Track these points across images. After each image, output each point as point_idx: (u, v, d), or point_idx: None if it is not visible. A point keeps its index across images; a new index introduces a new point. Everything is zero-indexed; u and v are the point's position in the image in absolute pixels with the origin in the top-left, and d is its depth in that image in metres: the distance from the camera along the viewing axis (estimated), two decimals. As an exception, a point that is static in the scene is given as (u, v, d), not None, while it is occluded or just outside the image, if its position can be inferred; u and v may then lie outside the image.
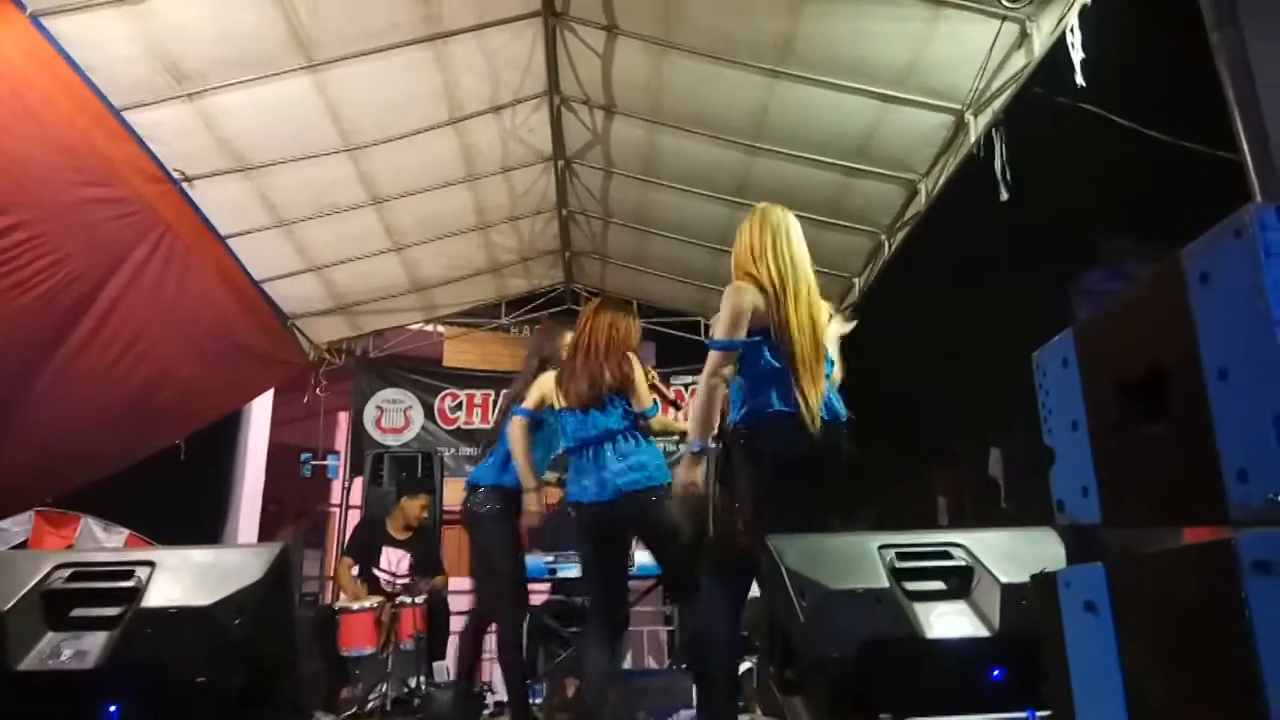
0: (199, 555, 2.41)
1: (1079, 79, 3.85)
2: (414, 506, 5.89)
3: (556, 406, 3.73)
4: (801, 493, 2.89)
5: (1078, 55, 3.84)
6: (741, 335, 2.96)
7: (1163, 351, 1.27)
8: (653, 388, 3.76)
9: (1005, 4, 3.98)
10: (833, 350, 3.14)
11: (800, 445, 2.91)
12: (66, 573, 2.35)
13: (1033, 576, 1.63)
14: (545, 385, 3.96)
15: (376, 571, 5.65)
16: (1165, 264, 1.27)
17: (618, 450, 3.51)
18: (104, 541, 7.18)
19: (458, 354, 9.98)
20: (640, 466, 3.49)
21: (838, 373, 3.19)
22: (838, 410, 3.04)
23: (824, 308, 3.09)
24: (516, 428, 3.97)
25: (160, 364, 5.64)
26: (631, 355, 3.66)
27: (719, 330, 3.01)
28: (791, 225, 3.12)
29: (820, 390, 2.95)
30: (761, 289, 3.00)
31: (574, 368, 3.67)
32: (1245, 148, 2.53)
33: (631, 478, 3.46)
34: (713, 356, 2.99)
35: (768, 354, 2.99)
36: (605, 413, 3.57)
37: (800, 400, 2.91)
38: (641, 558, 5.72)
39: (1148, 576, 1.32)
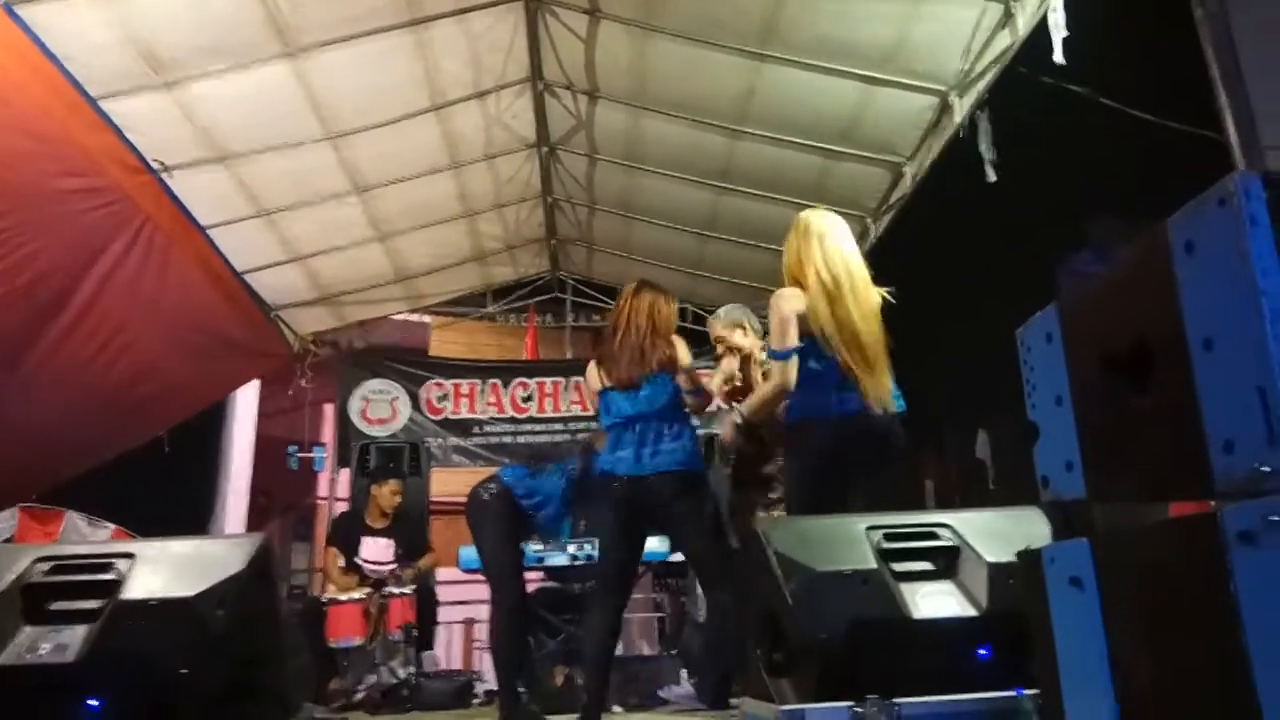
0: (179, 547, 2.39)
1: (1058, 57, 3.83)
2: (384, 493, 5.85)
3: (600, 386, 3.66)
4: (838, 491, 3.06)
5: (1060, 34, 3.82)
6: (794, 341, 3.14)
7: (1147, 323, 1.26)
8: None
9: (989, -18, 3.95)
10: None
11: (840, 443, 3.08)
12: (45, 566, 2.33)
13: (1018, 553, 1.63)
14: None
15: (359, 561, 5.63)
16: (1150, 235, 1.26)
17: (662, 430, 3.49)
18: (89, 537, 7.10)
19: (444, 344, 9.94)
20: (679, 450, 3.47)
21: None
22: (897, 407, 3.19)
23: (878, 299, 3.22)
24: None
25: (142, 356, 5.59)
26: (676, 338, 3.64)
27: (774, 340, 3.20)
28: (837, 225, 3.28)
29: (885, 379, 3.10)
30: (808, 293, 3.14)
31: (615, 348, 3.62)
32: (1229, 123, 2.52)
33: (669, 458, 3.44)
34: (777, 367, 3.19)
35: (812, 360, 3.15)
36: (652, 391, 3.53)
37: (864, 392, 3.06)
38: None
39: (1133, 550, 1.31)
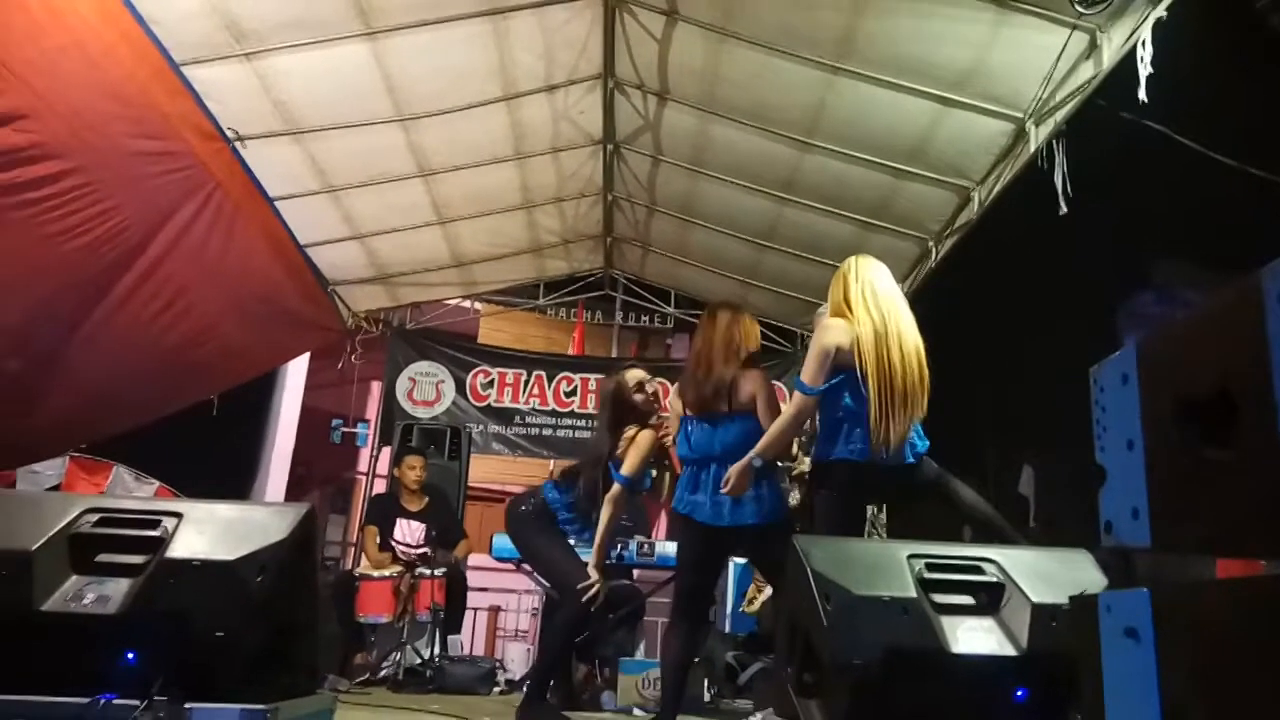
0: (225, 510, 2.41)
1: (1142, 94, 3.75)
2: (404, 470, 5.88)
3: (682, 413, 3.55)
4: (860, 529, 3.20)
5: (1145, 70, 3.73)
6: (823, 379, 3.14)
7: (1233, 373, 1.21)
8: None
9: (1079, 8, 3.86)
10: None
11: (868, 488, 3.20)
12: (94, 517, 2.36)
13: (1071, 598, 1.58)
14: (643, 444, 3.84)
15: (393, 542, 5.68)
16: (1241, 281, 1.21)
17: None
18: (135, 491, 7.29)
19: (493, 332, 10.02)
20: (757, 499, 3.31)
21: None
22: (919, 449, 3.21)
23: (920, 344, 3.25)
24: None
25: (201, 320, 5.70)
26: (755, 372, 3.48)
27: (807, 373, 3.19)
28: (884, 270, 3.36)
29: (907, 424, 3.09)
30: (858, 331, 3.15)
31: (688, 376, 3.54)
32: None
33: (751, 509, 3.31)
34: (798, 399, 3.19)
35: (848, 397, 3.15)
36: (729, 429, 3.39)
37: (876, 436, 3.06)
38: (659, 549, 5.67)
39: (1197, 606, 1.26)
